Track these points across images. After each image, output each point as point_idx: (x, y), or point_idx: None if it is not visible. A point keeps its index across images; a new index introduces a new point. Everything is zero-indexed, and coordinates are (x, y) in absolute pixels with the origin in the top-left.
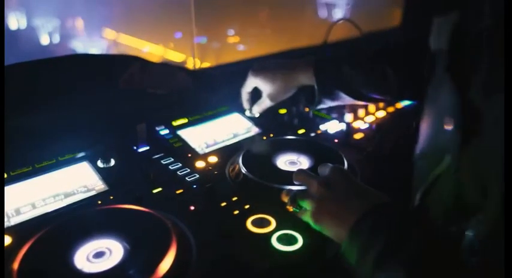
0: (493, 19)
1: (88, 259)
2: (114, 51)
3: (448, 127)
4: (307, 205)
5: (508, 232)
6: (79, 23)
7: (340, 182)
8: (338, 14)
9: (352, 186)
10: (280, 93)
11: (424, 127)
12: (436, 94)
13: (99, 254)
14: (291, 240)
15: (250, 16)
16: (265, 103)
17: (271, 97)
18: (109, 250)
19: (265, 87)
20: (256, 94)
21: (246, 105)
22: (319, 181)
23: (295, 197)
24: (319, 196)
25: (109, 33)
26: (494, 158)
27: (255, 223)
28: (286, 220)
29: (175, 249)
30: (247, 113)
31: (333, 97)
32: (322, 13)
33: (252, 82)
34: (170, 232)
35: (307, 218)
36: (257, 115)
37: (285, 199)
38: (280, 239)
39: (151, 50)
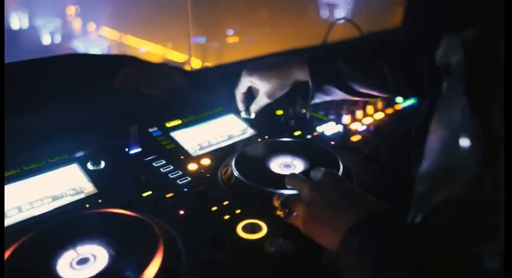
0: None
1: (71, 266)
2: (110, 50)
3: (465, 145)
4: (297, 210)
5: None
6: (77, 22)
7: (332, 187)
8: (338, 13)
9: (345, 191)
10: (277, 89)
11: (433, 144)
12: (447, 111)
13: (83, 261)
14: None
15: (247, 16)
16: (262, 101)
17: (267, 94)
18: (93, 256)
19: (261, 84)
20: (250, 97)
21: (241, 106)
22: (310, 185)
23: (286, 201)
24: (310, 201)
25: (106, 32)
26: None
27: (246, 228)
28: (278, 225)
29: (161, 255)
30: (243, 114)
31: (327, 93)
32: (322, 13)
33: (247, 81)
34: (157, 237)
35: (297, 224)
36: (253, 115)
37: (276, 203)
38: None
39: (148, 50)
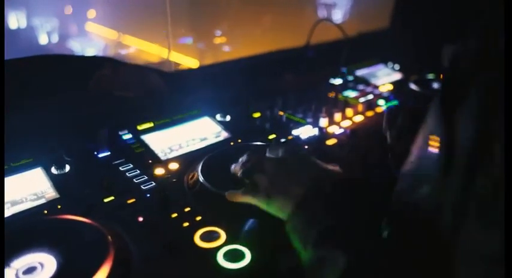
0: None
1: (17, 276)
2: (93, 46)
3: (433, 150)
4: (260, 179)
5: None
6: (67, 21)
7: (295, 159)
8: (323, 14)
9: (305, 160)
10: None
11: (413, 147)
12: (429, 119)
13: (30, 270)
14: (238, 257)
15: (229, 18)
16: None
17: None
18: (41, 265)
19: None
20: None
21: None
22: (273, 159)
23: (251, 169)
24: (274, 172)
25: (92, 28)
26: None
27: (204, 236)
28: (237, 233)
29: (110, 264)
30: None
31: None
32: (308, 13)
33: None
34: (108, 245)
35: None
36: None
37: (238, 170)
38: (226, 256)
39: (127, 50)
